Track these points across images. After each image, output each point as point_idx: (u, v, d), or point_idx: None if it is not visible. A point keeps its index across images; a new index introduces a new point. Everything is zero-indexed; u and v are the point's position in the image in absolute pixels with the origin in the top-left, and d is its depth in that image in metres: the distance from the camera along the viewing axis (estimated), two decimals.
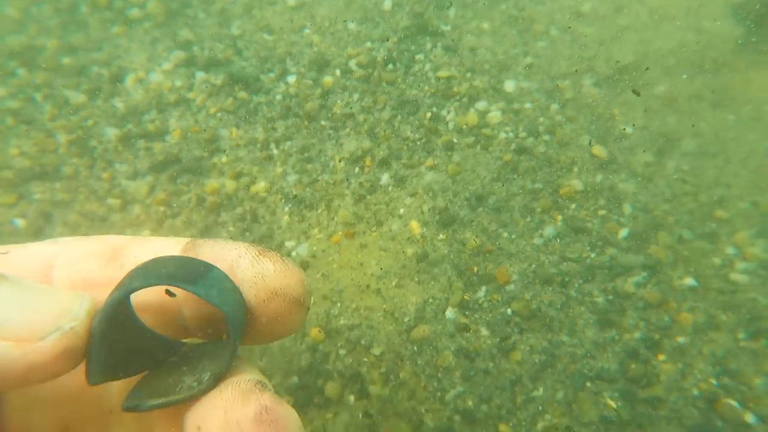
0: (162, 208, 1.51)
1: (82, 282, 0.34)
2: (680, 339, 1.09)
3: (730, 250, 1.16)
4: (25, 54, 1.73)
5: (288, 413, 0.29)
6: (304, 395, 1.28)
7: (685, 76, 1.37)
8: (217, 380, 0.35)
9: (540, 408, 1.10)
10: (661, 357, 1.07)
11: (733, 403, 0.97)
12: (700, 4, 1.46)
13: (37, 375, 0.26)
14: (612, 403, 1.05)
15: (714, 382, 1.02)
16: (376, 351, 1.28)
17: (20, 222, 1.45)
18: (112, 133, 1.62)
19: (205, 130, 1.62)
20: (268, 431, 0.28)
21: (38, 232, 1.46)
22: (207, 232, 1.50)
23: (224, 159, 1.57)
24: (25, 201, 1.49)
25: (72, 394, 0.34)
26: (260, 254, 0.31)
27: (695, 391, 1.02)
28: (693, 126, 1.34)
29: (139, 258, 0.33)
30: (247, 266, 0.30)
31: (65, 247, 0.34)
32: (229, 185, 1.53)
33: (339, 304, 1.35)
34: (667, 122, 1.35)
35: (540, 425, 1.09)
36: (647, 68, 1.36)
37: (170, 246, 0.33)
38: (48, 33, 1.80)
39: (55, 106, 1.65)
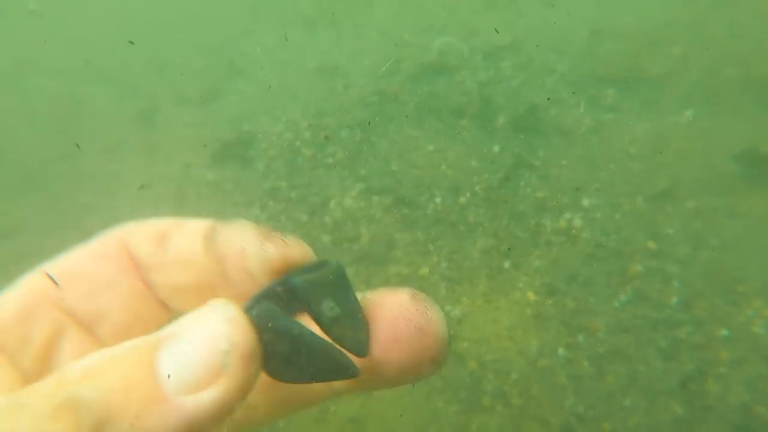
0: (363, 286, 2.09)
1: (139, 264, 0.32)
2: (721, 369, 1.50)
3: (750, 312, 1.57)
4: (272, 193, 2.43)
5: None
6: (468, 405, 1.75)
7: (706, 196, 1.84)
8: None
9: (631, 412, 1.53)
10: (709, 381, 1.48)
11: (763, 409, 1.37)
12: (710, 149, 1.94)
13: (226, 406, 0.24)
14: (678, 409, 1.47)
15: (747, 396, 1.42)
16: (514, 376, 1.75)
17: None
18: (327, 239, 2.25)
19: (384, 235, 2.22)
20: (426, 304, 0.29)
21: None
22: None
23: (399, 253, 2.15)
24: None
25: None
26: (264, 240, 0.29)
27: (735, 402, 1.42)
28: (717, 229, 1.79)
29: (177, 243, 0.32)
30: (254, 250, 0.29)
31: (129, 230, 0.34)
32: (404, 270, 2.10)
33: (485, 347, 1.84)
34: (697, 226, 1.80)
35: (630, 423, 1.51)
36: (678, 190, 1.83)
37: (197, 228, 0.32)
38: (281, 178, 2.51)
39: (291, 223, 2.32)
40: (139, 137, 2.98)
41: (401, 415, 1.82)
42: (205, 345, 0.25)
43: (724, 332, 1.55)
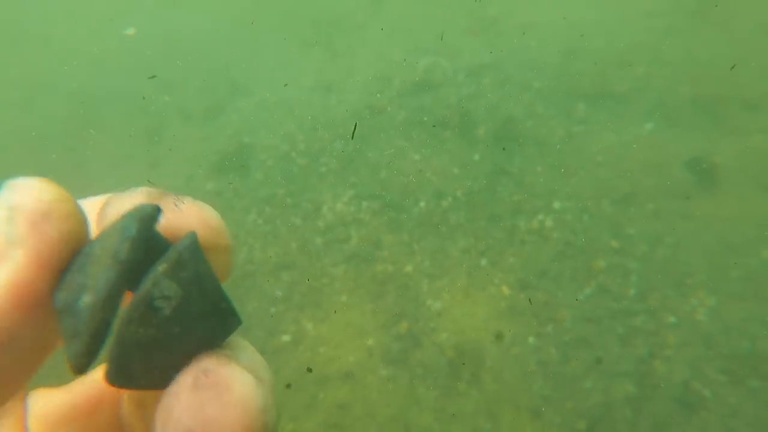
0: (352, 283, 2.26)
1: None
2: (668, 352, 1.66)
3: (695, 302, 1.74)
4: (268, 200, 2.63)
5: (234, 373, 0.20)
6: (446, 391, 1.91)
7: (663, 200, 2.03)
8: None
9: (590, 393, 1.69)
10: (657, 362, 1.65)
11: (698, 385, 1.53)
12: (667, 158, 2.14)
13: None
14: (631, 388, 1.63)
15: (688, 374, 1.58)
16: (488, 363, 1.91)
17: (279, 293, 2.24)
18: (319, 240, 2.43)
19: (372, 237, 2.40)
20: (209, 397, 0.20)
21: (288, 299, 2.24)
22: (378, 298, 2.22)
23: (386, 253, 2.33)
24: (278, 281, 2.29)
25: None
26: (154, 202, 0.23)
27: (678, 380, 1.59)
28: (672, 229, 1.97)
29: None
30: None
31: None
32: (390, 268, 2.27)
33: (463, 337, 2.00)
34: (654, 227, 1.98)
35: (590, 402, 1.67)
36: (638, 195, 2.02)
37: (89, 207, 0.25)
38: (278, 186, 2.71)
39: (286, 227, 2.50)
40: (145, 152, 3.18)
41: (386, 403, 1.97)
42: None
43: (672, 319, 1.72)
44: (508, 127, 2.60)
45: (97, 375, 0.27)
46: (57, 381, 0.28)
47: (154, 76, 2.89)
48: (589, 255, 2.03)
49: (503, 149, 2.53)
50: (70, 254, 0.21)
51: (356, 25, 3.71)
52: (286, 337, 2.17)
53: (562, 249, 2.08)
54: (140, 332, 0.20)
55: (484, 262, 2.17)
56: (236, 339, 0.24)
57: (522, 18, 3.11)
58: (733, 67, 2.11)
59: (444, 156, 2.65)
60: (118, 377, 0.21)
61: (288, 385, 2.03)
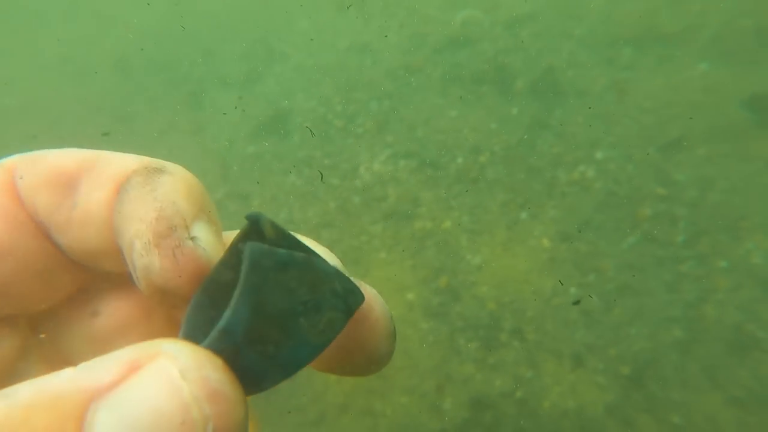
0: (390, 240, 2.30)
1: (34, 218, 0.24)
2: (719, 296, 1.62)
3: (750, 245, 1.68)
4: (307, 161, 2.68)
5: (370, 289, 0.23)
6: (487, 342, 1.93)
7: (717, 143, 1.93)
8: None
9: (635, 339, 1.67)
10: (707, 306, 1.61)
11: (752, 326, 1.48)
12: (723, 98, 2.03)
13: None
14: (678, 333, 1.60)
15: (740, 317, 1.54)
16: (529, 314, 1.91)
17: None
18: (357, 199, 2.47)
19: (409, 194, 2.42)
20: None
21: None
22: (417, 254, 2.25)
23: (424, 209, 2.35)
24: (319, 239, 2.36)
25: None
26: (152, 242, 0.21)
27: (729, 323, 1.55)
28: (726, 172, 1.88)
29: (88, 196, 0.23)
30: (139, 251, 0.21)
31: (21, 166, 0.24)
32: (428, 225, 2.29)
33: (503, 290, 2.01)
34: (706, 172, 1.90)
35: (635, 347, 1.65)
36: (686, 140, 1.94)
37: (116, 172, 0.24)
38: (315, 148, 2.75)
39: (325, 187, 2.56)
40: (187, 119, 3.30)
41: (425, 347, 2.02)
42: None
43: (724, 264, 1.66)
44: (547, 78, 2.53)
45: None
46: None
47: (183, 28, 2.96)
48: (634, 204, 1.98)
49: (542, 101, 2.47)
50: None
51: None
52: None
53: (604, 199, 2.04)
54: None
55: (523, 215, 2.15)
56: None
57: None
58: None
59: (481, 111, 2.62)
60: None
61: None
